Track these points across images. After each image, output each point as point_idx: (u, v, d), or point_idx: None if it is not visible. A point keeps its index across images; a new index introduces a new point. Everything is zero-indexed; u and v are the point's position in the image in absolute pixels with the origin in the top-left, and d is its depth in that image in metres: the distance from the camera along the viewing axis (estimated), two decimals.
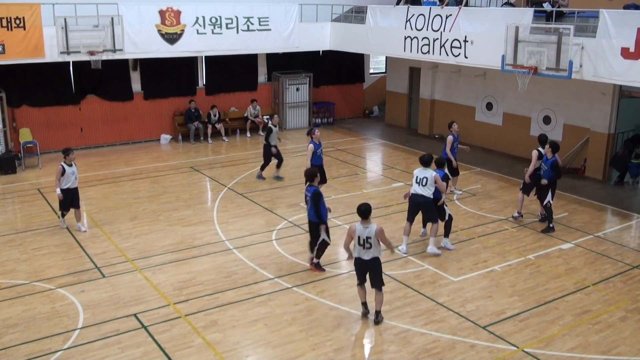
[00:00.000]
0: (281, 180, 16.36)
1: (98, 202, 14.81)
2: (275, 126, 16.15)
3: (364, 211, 8.98)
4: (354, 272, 10.82)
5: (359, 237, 8.99)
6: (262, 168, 16.47)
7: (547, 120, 18.26)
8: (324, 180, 14.39)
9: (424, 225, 12.53)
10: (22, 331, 9.03)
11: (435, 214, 11.82)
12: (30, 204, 14.70)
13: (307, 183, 10.93)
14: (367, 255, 9.05)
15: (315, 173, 10.98)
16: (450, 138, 14.79)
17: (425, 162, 11.76)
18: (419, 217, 12.11)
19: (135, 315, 9.51)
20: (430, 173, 11.61)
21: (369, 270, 9.21)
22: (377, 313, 9.37)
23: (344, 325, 9.29)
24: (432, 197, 11.63)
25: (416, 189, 11.70)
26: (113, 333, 8.98)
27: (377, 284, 9.24)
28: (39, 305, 9.80)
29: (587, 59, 13.72)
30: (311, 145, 14.14)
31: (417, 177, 11.74)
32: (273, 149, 16.03)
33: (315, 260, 11.09)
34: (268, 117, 16.45)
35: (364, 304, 9.50)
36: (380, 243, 9.10)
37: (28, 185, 16.07)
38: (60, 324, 9.22)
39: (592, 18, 14.17)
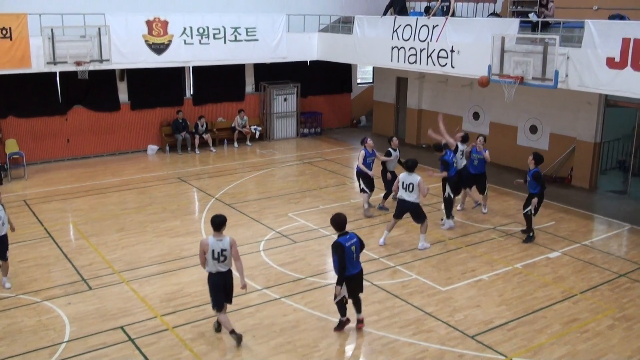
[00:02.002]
0: (386, 212, 14.67)
1: (85, 214, 14.70)
2: (395, 150, 14.76)
3: (218, 224, 8.62)
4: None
5: (213, 251, 8.58)
6: (385, 197, 15.01)
7: (533, 129, 18.38)
8: (372, 187, 14.63)
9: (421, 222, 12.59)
10: (8, 345, 8.92)
11: (422, 215, 12.38)
12: (16, 215, 14.54)
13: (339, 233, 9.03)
14: (225, 268, 8.70)
15: (344, 221, 8.98)
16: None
17: (410, 168, 12.14)
18: (402, 221, 12.65)
19: (122, 327, 9.43)
20: (416, 179, 11.99)
21: (227, 285, 8.80)
22: (234, 334, 8.88)
23: (332, 336, 9.25)
24: (418, 201, 12.17)
25: (402, 194, 12.22)
26: (100, 346, 8.90)
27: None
28: (24, 318, 9.70)
29: (573, 69, 13.85)
30: (363, 152, 14.40)
31: (403, 182, 12.17)
32: (388, 175, 14.63)
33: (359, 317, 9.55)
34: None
35: (233, 332, 8.87)
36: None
37: (14, 196, 15.91)
38: (46, 337, 9.12)
39: (578, 28, 14.31)
